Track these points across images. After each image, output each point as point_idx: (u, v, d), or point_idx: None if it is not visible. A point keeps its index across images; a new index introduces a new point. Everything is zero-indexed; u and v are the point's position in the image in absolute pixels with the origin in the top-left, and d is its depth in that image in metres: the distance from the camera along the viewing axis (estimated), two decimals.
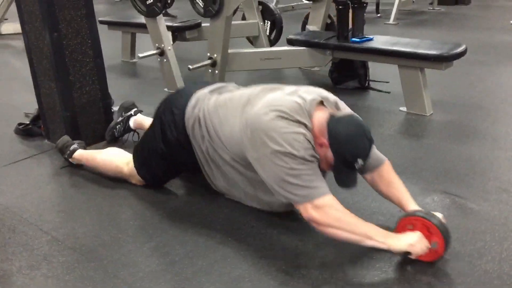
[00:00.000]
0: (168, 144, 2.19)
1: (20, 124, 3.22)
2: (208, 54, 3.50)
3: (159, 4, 3.59)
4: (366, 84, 3.79)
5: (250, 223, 2.10)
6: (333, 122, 1.77)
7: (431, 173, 2.44)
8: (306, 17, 4.47)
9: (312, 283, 1.72)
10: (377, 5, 7.17)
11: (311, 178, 1.76)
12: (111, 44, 4.65)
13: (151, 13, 3.71)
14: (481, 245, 1.88)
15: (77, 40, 2.81)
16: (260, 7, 4.82)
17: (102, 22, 5.12)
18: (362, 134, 1.76)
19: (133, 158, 2.38)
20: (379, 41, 3.34)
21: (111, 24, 5.08)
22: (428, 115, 3.20)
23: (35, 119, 3.18)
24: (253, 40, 4.86)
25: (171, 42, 3.98)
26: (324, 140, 1.77)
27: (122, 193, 2.40)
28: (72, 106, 2.86)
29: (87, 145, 2.75)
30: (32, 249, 1.99)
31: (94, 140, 2.95)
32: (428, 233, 1.72)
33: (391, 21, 6.52)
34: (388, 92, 3.68)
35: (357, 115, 1.89)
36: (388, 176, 1.97)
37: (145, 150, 2.33)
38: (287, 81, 4.13)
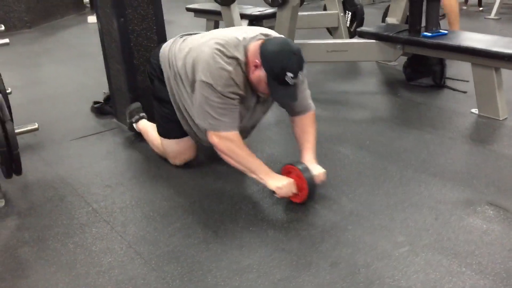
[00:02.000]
0: (159, 99, 2.43)
1: (95, 102, 3.46)
2: None
3: None
4: (442, 82, 3.55)
5: (276, 214, 2.10)
6: (265, 44, 2.02)
7: (482, 182, 2.25)
8: (387, 9, 4.28)
9: (317, 282, 1.68)
10: None
11: (223, 112, 2.06)
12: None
13: (225, 0, 3.78)
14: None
15: (142, 26, 2.95)
16: None
17: (188, 10, 5.33)
18: (289, 50, 1.96)
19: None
20: (453, 37, 3.12)
21: (196, 12, 5.25)
22: (501, 119, 2.93)
23: (108, 99, 3.39)
24: (332, 31, 4.76)
25: None
26: (257, 60, 1.99)
27: (165, 175, 2.50)
28: (135, 88, 3.01)
29: None
30: (72, 218, 2.15)
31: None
32: (299, 182, 2.05)
33: (492, 15, 6.02)
34: (465, 92, 3.42)
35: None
36: (305, 125, 2.25)
37: (156, 118, 2.53)
38: (359, 74, 4.02)
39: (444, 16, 4.23)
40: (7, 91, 2.96)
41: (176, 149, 2.48)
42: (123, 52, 2.93)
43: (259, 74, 2.02)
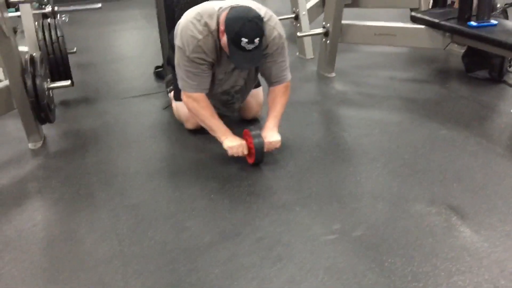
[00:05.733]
0: (172, 66, 2.54)
1: (156, 67, 3.83)
2: (323, 23, 3.50)
3: None
4: (499, 77, 3.28)
5: (236, 184, 2.23)
6: (229, 12, 2.16)
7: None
8: None
9: (234, 250, 1.82)
10: None
11: (190, 75, 2.31)
12: None
13: None
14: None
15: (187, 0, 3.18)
16: None
17: None
18: (245, 17, 2.09)
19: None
20: (501, 29, 2.86)
21: None
22: None
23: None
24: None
25: (306, 8, 4.06)
26: (222, 27, 2.16)
27: (173, 137, 2.76)
28: (170, 5, 3.20)
29: None
30: (80, 165, 2.52)
31: None
32: (251, 145, 2.30)
33: None
34: None
35: (254, 7, 2.21)
36: (276, 95, 2.45)
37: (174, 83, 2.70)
38: (420, 60, 3.84)
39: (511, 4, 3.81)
40: (72, 50, 3.44)
41: (186, 112, 2.72)
42: (167, 24, 3.20)
43: (224, 40, 2.18)
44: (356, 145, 2.57)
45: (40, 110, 2.56)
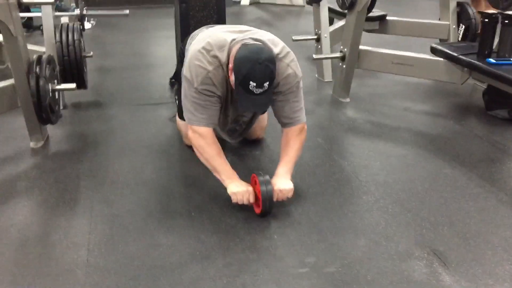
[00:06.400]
0: (179, 81, 2.47)
1: (172, 77, 3.84)
2: (341, 47, 3.44)
3: None
4: None
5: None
6: (239, 49, 2.02)
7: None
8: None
9: (203, 266, 1.77)
10: None
11: (200, 108, 2.12)
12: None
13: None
14: None
15: (203, 13, 3.20)
16: (458, 8, 4.31)
17: None
18: (255, 59, 1.93)
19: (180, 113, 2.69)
20: None
21: None
22: None
23: None
24: None
25: (329, 30, 4.01)
26: (231, 65, 2.03)
27: (172, 151, 2.74)
28: (187, 25, 3.21)
29: None
30: (77, 168, 2.54)
31: None
32: (258, 193, 2.04)
33: None
34: None
35: (266, 45, 2.07)
36: (289, 138, 2.21)
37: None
38: (439, 93, 3.72)
39: None
40: (88, 54, 3.49)
41: (184, 130, 2.70)
42: (182, 36, 3.21)
43: (232, 79, 2.04)
44: (352, 176, 2.48)
45: (42, 111, 2.59)
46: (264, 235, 2.00)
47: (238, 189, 2.06)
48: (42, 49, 3.30)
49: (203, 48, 2.13)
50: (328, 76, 3.99)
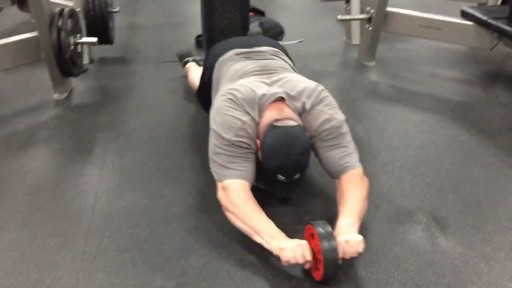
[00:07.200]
0: (203, 84, 2.40)
1: (198, 36, 3.85)
2: (368, 8, 3.34)
3: None
4: None
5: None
6: (269, 130, 1.74)
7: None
8: None
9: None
10: None
11: (231, 160, 1.76)
12: None
13: None
14: None
15: None
16: None
17: None
18: (285, 153, 1.69)
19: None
20: None
21: None
22: None
23: None
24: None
25: None
26: (259, 142, 1.77)
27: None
28: (211, 27, 3.26)
29: None
30: (89, 123, 2.62)
31: None
32: (316, 250, 1.52)
33: None
34: None
35: (300, 129, 1.75)
36: (345, 187, 1.77)
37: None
38: (471, 60, 3.57)
39: None
40: (115, 10, 3.53)
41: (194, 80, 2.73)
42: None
43: (259, 156, 1.78)
44: (365, 139, 2.45)
45: (63, 63, 2.67)
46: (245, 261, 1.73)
47: (287, 244, 1.56)
48: (69, 3, 3.36)
49: (231, 100, 1.85)
50: (355, 39, 3.90)
